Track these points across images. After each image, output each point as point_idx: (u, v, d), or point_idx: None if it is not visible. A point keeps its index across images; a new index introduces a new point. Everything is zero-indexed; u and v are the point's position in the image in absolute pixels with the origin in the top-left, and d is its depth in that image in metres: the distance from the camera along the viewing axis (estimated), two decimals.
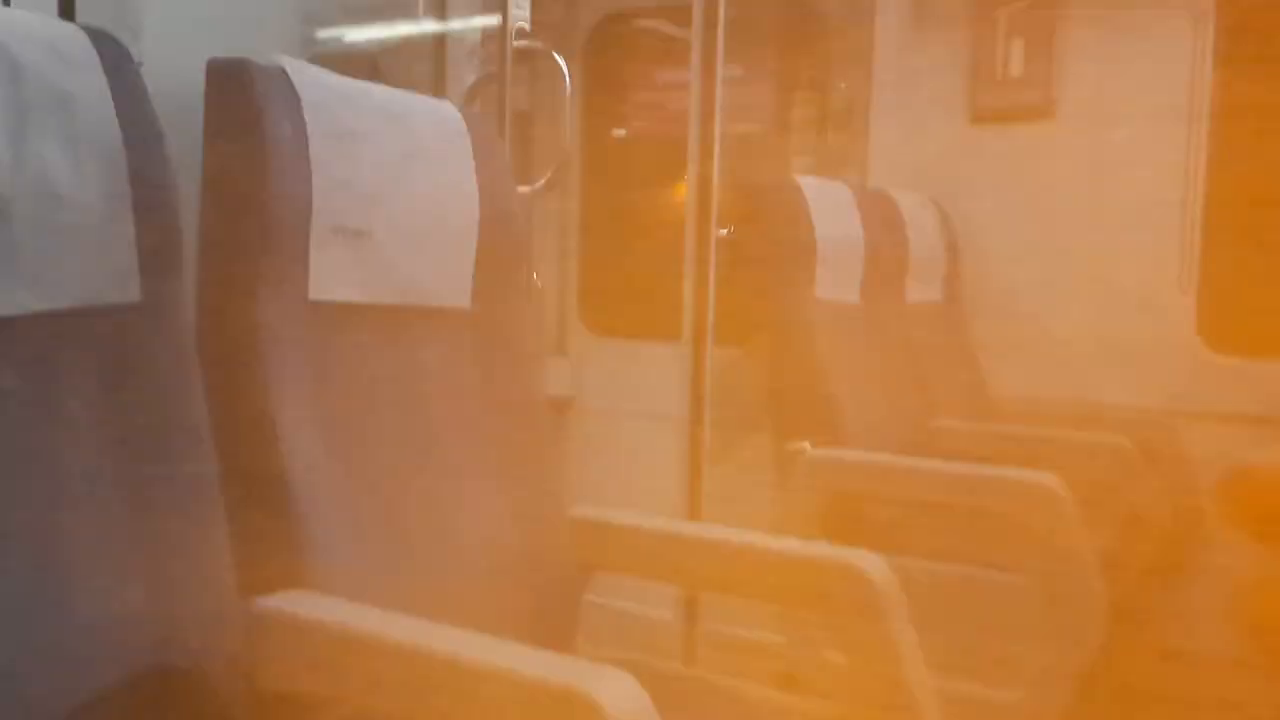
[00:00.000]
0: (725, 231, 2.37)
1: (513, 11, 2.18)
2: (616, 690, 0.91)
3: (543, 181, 2.65)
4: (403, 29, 2.30)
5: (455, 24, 2.22)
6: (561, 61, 2.57)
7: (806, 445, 2.19)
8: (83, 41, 1.05)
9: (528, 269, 2.32)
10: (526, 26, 2.40)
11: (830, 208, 2.44)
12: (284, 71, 1.27)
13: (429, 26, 2.22)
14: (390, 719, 1.14)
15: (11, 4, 1.30)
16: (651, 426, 2.45)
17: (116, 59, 1.06)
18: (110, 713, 1.00)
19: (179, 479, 1.08)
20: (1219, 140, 2.72)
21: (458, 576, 1.39)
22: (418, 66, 2.22)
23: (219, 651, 1.09)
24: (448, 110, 1.49)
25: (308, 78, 1.29)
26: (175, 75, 1.21)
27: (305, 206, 1.25)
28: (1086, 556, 1.93)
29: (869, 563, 1.33)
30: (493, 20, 2.22)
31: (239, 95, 1.23)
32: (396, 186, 1.36)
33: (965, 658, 1.93)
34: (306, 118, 1.26)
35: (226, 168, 1.23)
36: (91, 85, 1.04)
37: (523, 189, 2.39)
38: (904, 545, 2.13)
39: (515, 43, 2.23)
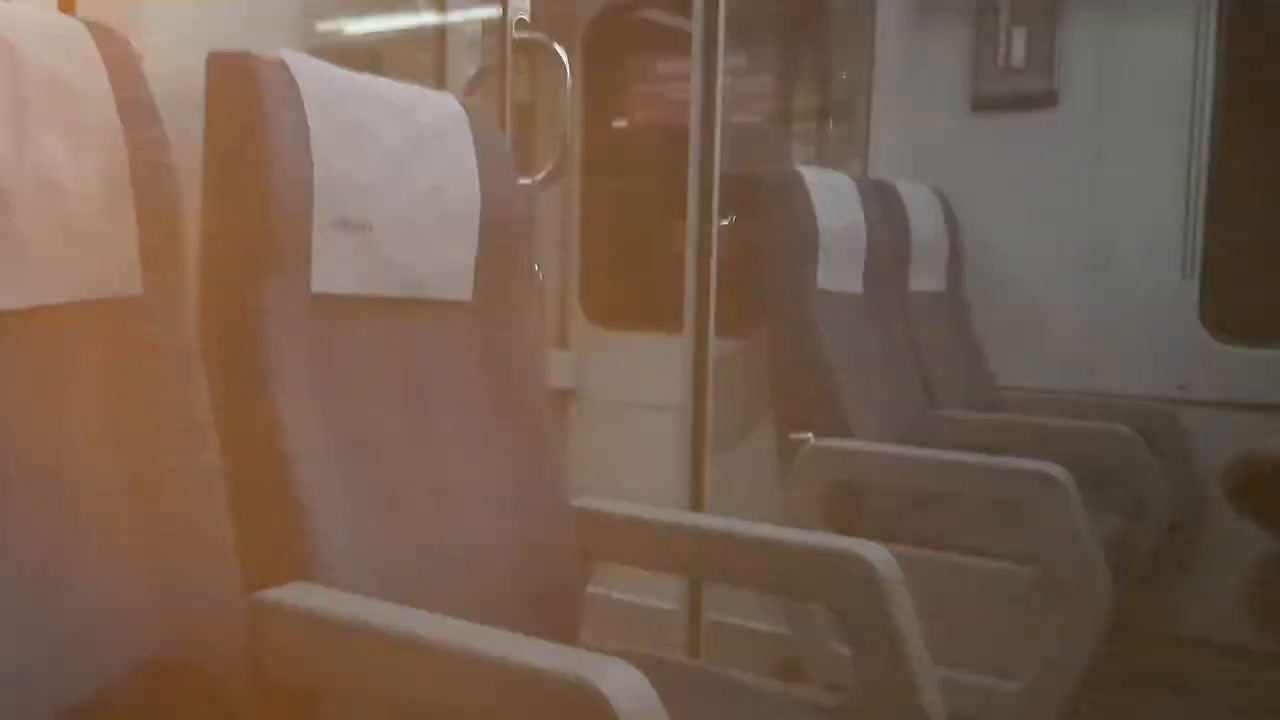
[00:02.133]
0: (727, 222, 2.36)
1: (513, 3, 2.16)
2: (621, 681, 0.90)
3: (544, 173, 2.64)
4: (403, 21, 2.30)
5: (455, 16, 2.22)
6: (562, 53, 2.56)
7: (810, 436, 2.19)
8: (83, 35, 1.04)
9: (529, 261, 2.31)
10: (526, 18, 2.39)
11: (832, 198, 2.44)
12: (284, 64, 1.26)
13: (429, 18, 2.22)
14: (395, 710, 1.14)
15: None
16: (654, 417, 2.45)
17: (117, 52, 1.06)
18: (117, 706, 1.01)
19: (182, 472, 1.08)
20: (1224, 125, 2.71)
21: (461, 568, 1.40)
22: (418, 58, 2.21)
23: (224, 644, 1.09)
24: (448, 102, 1.49)
25: (308, 70, 1.28)
26: (175, 68, 1.21)
27: (307, 199, 1.25)
28: (1090, 546, 1.93)
29: (873, 553, 1.33)
30: (493, 11, 2.21)
31: (240, 88, 1.22)
32: (398, 179, 1.36)
33: (970, 647, 1.93)
34: (307, 110, 1.26)
35: (227, 160, 1.23)
36: (92, 79, 1.03)
37: (524, 181, 2.38)
38: (908, 535, 2.13)
39: (515, 34, 2.22)
